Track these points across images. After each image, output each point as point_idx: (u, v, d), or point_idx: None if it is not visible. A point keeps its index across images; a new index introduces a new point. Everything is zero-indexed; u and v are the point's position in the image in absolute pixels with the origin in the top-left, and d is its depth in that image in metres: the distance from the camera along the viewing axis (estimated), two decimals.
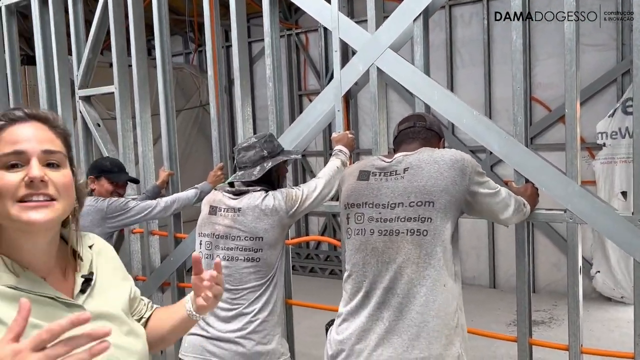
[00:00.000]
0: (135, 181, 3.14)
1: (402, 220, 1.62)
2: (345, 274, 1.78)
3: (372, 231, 1.68)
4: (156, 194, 3.19)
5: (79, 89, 3.58)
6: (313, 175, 7.13)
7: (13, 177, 0.93)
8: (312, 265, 6.95)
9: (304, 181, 7.03)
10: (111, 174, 2.84)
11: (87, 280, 1.05)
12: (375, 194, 1.70)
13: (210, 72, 3.01)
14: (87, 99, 3.62)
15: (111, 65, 6.04)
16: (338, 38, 2.49)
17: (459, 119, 2.17)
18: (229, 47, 6.47)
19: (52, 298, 0.96)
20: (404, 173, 1.66)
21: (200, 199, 2.94)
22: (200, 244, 2.23)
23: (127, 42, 3.42)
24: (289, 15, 6.94)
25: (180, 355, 2.20)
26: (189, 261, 3.30)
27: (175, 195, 2.91)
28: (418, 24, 2.26)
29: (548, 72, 5.47)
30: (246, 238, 2.12)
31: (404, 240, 1.62)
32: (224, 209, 2.19)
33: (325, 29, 6.57)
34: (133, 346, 1.07)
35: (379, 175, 1.71)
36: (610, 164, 5.21)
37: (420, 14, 2.25)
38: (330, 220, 6.97)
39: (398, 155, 1.73)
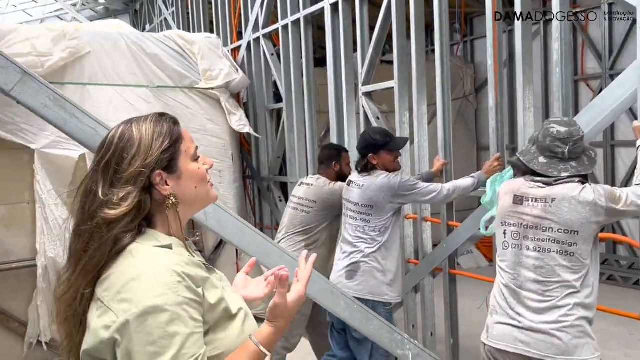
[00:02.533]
0: (407, 140, 3.27)
1: None
2: None
3: None
4: (429, 180, 3.33)
5: (362, 85, 3.95)
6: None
7: (202, 167, 1.20)
8: (610, 272, 6.18)
9: None
10: (387, 145, 2.99)
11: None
12: None
13: (490, 61, 2.99)
14: (368, 95, 3.97)
15: (382, 62, 6.47)
16: None
17: None
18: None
19: (205, 265, 1.16)
20: None
21: (476, 188, 2.97)
22: (505, 233, 2.19)
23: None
24: None
25: (487, 342, 2.18)
26: (460, 249, 3.38)
27: (454, 183, 2.98)
28: None
29: None
30: (559, 230, 2.03)
31: None
32: (532, 198, 2.11)
33: (610, 5, 5.86)
34: None
35: None
36: None
37: None
38: None
39: None
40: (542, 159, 2.13)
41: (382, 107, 5.49)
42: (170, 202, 1.13)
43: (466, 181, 2.97)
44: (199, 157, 1.21)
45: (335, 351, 3.07)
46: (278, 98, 5.20)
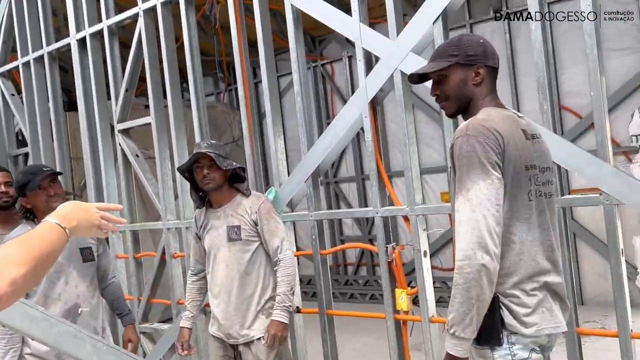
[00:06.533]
0: (58, 173, 2.65)
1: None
2: None
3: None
4: None
5: (118, 122, 3.75)
6: (347, 202, 7.17)
7: None
8: (351, 291, 6.85)
9: (338, 207, 7.06)
10: (29, 183, 2.47)
11: None
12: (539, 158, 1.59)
13: (242, 102, 3.12)
14: (125, 132, 3.78)
15: (146, 106, 6.33)
16: (361, 48, 2.58)
17: None
18: (257, 84, 6.67)
19: None
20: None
21: None
22: None
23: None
24: (314, 47, 7.15)
25: None
26: None
27: None
28: (438, 25, 2.33)
29: (576, 80, 5.43)
30: None
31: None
32: None
33: (350, 58, 6.74)
34: None
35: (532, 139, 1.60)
36: None
37: (439, 15, 2.32)
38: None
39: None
40: None
41: (146, 152, 5.33)
42: None
43: None
44: None
45: None
46: (24, 142, 4.63)
